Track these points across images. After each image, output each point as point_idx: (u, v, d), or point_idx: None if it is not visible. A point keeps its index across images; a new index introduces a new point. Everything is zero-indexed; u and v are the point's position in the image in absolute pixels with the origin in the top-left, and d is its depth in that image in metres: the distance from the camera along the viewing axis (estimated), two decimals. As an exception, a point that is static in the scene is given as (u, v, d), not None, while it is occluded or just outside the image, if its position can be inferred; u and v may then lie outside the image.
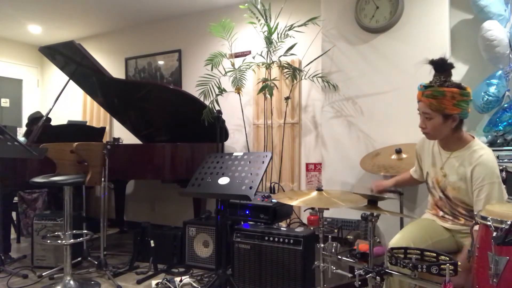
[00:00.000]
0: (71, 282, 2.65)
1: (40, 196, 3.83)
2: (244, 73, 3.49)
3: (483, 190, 1.66)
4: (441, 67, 1.74)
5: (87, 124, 4.89)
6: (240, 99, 3.85)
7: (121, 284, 2.80)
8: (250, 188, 2.09)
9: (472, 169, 1.71)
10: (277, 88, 3.69)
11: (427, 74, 2.75)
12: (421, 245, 1.68)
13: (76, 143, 2.81)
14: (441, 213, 1.92)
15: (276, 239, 2.46)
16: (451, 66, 1.75)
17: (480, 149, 1.73)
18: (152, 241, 3.10)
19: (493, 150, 1.84)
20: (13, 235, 3.82)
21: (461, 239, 1.83)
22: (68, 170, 2.95)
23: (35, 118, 4.15)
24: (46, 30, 4.97)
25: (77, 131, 4.16)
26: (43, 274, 3.00)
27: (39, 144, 2.99)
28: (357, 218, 2.82)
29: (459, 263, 1.31)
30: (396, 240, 1.76)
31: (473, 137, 1.81)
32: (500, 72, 2.64)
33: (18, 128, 4.97)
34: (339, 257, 1.74)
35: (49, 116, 3.54)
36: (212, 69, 3.47)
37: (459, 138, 1.80)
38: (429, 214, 2.00)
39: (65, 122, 4.50)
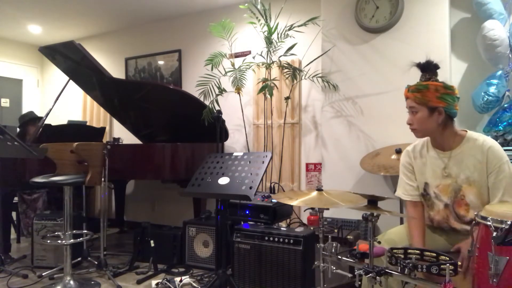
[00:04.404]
0: (71, 282, 2.65)
1: (40, 196, 3.83)
2: (244, 73, 3.49)
3: (501, 169, 1.71)
4: (427, 67, 1.81)
5: (87, 124, 4.89)
6: (240, 99, 3.85)
7: (121, 284, 2.80)
8: (250, 188, 2.09)
9: (487, 154, 1.74)
10: (277, 88, 3.69)
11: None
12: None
13: (76, 143, 2.80)
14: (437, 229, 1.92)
15: (276, 239, 2.46)
16: (436, 66, 1.81)
17: (480, 136, 1.79)
18: (152, 241, 3.10)
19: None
20: (13, 235, 3.82)
21: (458, 240, 1.81)
22: (68, 170, 2.95)
23: (28, 120, 4.11)
24: (46, 30, 4.97)
25: (77, 131, 4.16)
26: (43, 274, 3.00)
27: (39, 144, 2.99)
28: (357, 218, 2.82)
29: (459, 263, 1.31)
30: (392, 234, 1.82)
31: (466, 131, 1.84)
32: (500, 72, 2.63)
33: (18, 128, 4.97)
34: (339, 257, 1.74)
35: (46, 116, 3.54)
36: (212, 69, 3.47)
37: (454, 134, 1.81)
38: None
39: (65, 122, 4.49)
